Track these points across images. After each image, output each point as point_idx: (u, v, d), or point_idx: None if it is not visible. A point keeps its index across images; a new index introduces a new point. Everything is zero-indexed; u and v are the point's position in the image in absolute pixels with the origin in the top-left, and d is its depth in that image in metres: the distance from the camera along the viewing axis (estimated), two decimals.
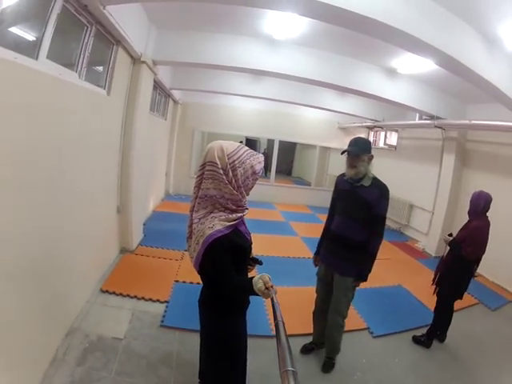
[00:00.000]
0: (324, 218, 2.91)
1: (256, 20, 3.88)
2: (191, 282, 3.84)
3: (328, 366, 2.77)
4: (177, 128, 8.45)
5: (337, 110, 7.64)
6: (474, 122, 5.30)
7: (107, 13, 2.66)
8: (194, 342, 2.80)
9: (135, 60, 4.04)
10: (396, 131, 8.69)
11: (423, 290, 4.34)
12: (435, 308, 3.39)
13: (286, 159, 12.14)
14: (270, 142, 11.12)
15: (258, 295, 1.36)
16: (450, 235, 3.27)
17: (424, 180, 7.46)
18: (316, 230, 2.67)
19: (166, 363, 2.53)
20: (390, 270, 5.29)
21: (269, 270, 4.79)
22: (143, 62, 4.10)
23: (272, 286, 1.34)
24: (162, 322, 3.05)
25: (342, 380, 2.71)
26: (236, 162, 1.46)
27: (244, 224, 1.67)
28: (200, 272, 1.54)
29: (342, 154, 2.55)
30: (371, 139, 9.36)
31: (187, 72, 6.46)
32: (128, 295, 3.40)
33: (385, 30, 2.65)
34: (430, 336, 3.33)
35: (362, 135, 8.71)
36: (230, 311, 1.63)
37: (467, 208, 3.19)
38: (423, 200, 7.41)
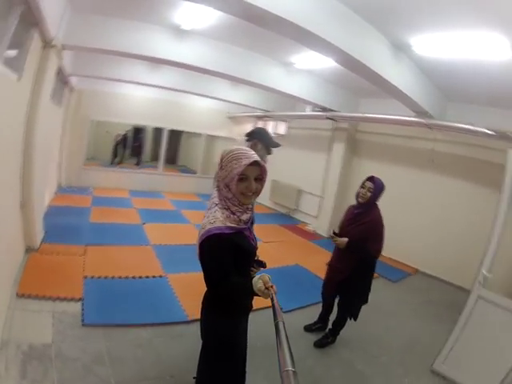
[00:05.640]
0: None
1: (168, 9, 3.69)
2: (99, 277, 3.60)
3: None
4: (70, 116, 7.31)
5: (229, 100, 7.40)
6: (366, 115, 5.50)
7: None
8: (119, 337, 2.71)
9: (46, 43, 3.46)
10: (285, 121, 8.61)
11: (319, 267, 4.55)
12: (342, 313, 3.00)
13: (170, 148, 11.54)
14: (158, 131, 10.35)
15: (258, 295, 1.31)
16: (336, 234, 2.78)
17: (313, 167, 7.54)
18: None
19: (99, 362, 2.36)
20: (285, 251, 5.46)
21: (167, 258, 4.66)
22: (53, 47, 3.54)
23: (272, 286, 1.28)
24: (83, 320, 2.82)
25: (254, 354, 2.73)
26: (223, 162, 1.44)
27: (251, 233, 1.58)
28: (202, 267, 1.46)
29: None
30: None
31: (87, 58, 5.61)
32: (44, 297, 3.01)
33: (294, 31, 2.66)
34: (335, 333, 3.07)
35: (251, 124, 8.83)
36: (232, 311, 1.55)
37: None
38: (312, 185, 7.51)
